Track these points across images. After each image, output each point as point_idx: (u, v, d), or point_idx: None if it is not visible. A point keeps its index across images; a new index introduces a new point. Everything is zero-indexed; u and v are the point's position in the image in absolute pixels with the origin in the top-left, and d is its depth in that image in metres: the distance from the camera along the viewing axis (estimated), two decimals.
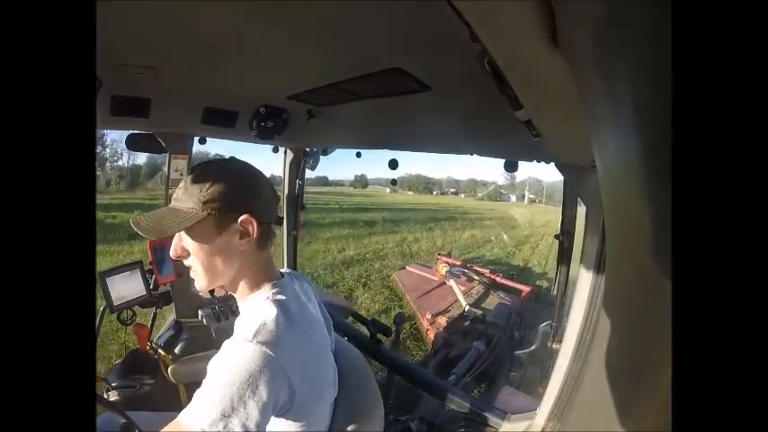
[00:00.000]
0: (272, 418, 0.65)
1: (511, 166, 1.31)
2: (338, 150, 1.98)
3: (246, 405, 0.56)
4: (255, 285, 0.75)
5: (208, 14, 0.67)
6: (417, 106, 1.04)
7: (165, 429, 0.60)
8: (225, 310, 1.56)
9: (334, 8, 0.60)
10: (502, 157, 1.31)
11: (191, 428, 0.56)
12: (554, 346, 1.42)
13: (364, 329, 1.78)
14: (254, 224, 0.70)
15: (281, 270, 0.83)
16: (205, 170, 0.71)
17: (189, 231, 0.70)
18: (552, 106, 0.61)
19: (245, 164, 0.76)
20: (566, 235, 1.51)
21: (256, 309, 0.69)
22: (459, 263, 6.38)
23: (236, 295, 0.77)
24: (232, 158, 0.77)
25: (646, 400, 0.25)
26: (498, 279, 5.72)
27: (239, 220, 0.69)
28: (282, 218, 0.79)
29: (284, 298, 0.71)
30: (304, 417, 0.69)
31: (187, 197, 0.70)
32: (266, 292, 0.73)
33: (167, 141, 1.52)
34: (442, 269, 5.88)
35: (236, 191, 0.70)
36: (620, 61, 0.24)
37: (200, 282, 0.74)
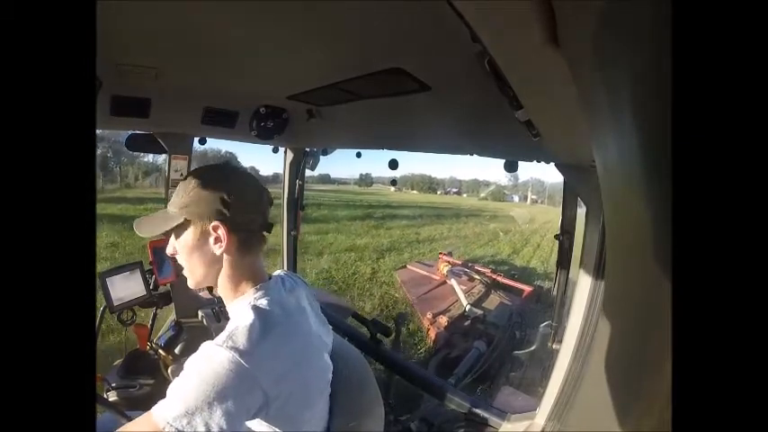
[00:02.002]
0: (257, 425, 0.66)
1: (511, 167, 1.30)
2: (339, 149, 1.98)
3: (211, 406, 0.58)
4: (239, 290, 0.75)
5: (208, 14, 0.67)
6: (417, 106, 1.04)
7: (137, 419, 0.62)
8: (225, 310, 1.56)
9: (334, 8, 0.60)
10: (502, 158, 1.31)
11: (157, 420, 0.58)
12: (554, 346, 1.42)
13: (365, 330, 1.78)
14: (225, 231, 0.71)
15: (276, 272, 0.83)
16: (191, 175, 0.74)
17: (174, 232, 0.74)
18: (552, 106, 0.61)
19: (231, 170, 0.75)
20: (566, 235, 1.51)
21: (237, 313, 0.71)
22: (460, 262, 6.38)
23: (223, 299, 0.78)
24: (224, 163, 0.77)
25: (646, 400, 0.25)
26: (500, 279, 5.72)
27: (210, 226, 0.71)
28: (273, 225, 0.78)
29: (265, 302, 0.71)
30: (290, 424, 0.69)
31: (174, 200, 0.74)
32: (249, 296, 0.73)
33: (167, 141, 1.52)
34: (444, 268, 5.89)
35: (211, 197, 0.71)
36: (619, 61, 0.24)
37: (189, 280, 0.79)
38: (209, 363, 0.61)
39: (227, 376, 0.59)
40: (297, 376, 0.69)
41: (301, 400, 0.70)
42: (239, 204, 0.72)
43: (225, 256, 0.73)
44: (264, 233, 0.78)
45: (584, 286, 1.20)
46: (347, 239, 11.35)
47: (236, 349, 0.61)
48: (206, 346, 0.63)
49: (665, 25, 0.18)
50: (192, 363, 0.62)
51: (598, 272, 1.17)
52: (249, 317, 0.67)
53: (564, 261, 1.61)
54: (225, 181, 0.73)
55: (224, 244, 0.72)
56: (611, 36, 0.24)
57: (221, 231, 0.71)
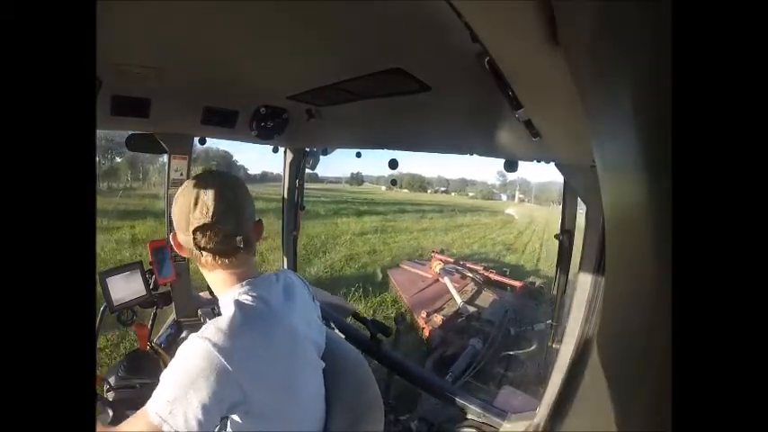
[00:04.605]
0: (249, 424, 0.66)
1: (511, 166, 1.30)
2: (338, 149, 1.98)
3: (187, 395, 0.60)
4: (225, 287, 0.76)
5: (208, 14, 0.67)
6: (417, 106, 1.04)
7: (136, 413, 0.66)
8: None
9: (335, 8, 0.60)
10: (502, 158, 1.30)
11: (148, 411, 0.62)
12: (554, 346, 1.42)
13: (365, 330, 1.78)
14: (176, 245, 0.77)
15: (280, 271, 0.84)
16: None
17: None
18: (552, 106, 0.61)
19: (197, 188, 0.73)
20: (566, 235, 1.51)
21: (223, 308, 0.73)
22: (452, 260, 6.38)
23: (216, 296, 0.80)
24: (198, 179, 0.76)
25: (646, 400, 0.25)
26: (492, 276, 5.71)
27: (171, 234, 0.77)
28: (240, 247, 0.74)
29: (249, 298, 0.72)
30: (280, 423, 0.69)
31: None
32: (234, 291, 0.74)
33: (167, 141, 1.52)
34: (436, 267, 5.88)
35: (174, 212, 0.75)
36: (619, 61, 0.24)
37: None
38: (185, 354, 0.64)
39: (199, 366, 0.61)
40: (279, 372, 0.69)
41: (287, 398, 0.71)
42: (190, 227, 0.72)
43: (203, 260, 0.75)
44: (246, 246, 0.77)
45: (584, 286, 1.20)
46: (413, 224, 16.11)
47: (211, 340, 0.63)
48: (188, 338, 0.66)
49: (664, 25, 0.18)
50: (176, 354, 0.65)
51: (598, 272, 1.17)
52: (230, 310, 0.69)
53: (564, 261, 1.61)
54: (183, 202, 0.73)
55: (182, 253, 0.77)
56: (610, 36, 0.24)
57: (174, 244, 0.77)
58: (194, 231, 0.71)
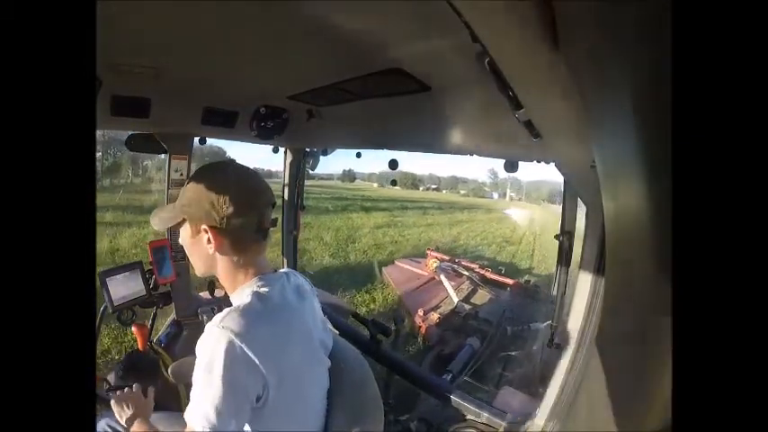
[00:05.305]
0: (257, 422, 0.67)
1: (511, 167, 1.30)
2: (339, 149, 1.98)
3: (218, 389, 0.61)
4: (240, 281, 0.77)
5: (208, 14, 0.67)
6: (417, 106, 1.04)
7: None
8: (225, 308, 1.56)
9: (335, 8, 0.60)
10: (501, 158, 1.30)
11: (191, 417, 0.63)
12: (554, 346, 1.42)
13: (365, 330, 1.78)
14: (213, 234, 0.73)
15: (282, 270, 0.84)
16: (193, 174, 0.77)
17: (178, 227, 0.78)
18: (552, 106, 0.61)
19: (229, 171, 0.76)
20: (566, 235, 1.51)
21: (238, 299, 0.73)
22: (448, 258, 6.37)
23: (226, 290, 0.80)
24: (223, 163, 0.79)
25: (646, 400, 0.25)
26: (488, 274, 5.70)
27: (202, 227, 0.73)
28: (268, 229, 0.79)
29: (267, 290, 0.73)
30: (287, 419, 0.70)
31: (179, 197, 0.77)
32: (251, 284, 0.75)
33: (167, 141, 1.52)
34: (432, 264, 5.86)
35: (202, 200, 0.73)
36: (619, 61, 0.24)
37: (195, 269, 0.82)
38: (205, 344, 0.64)
39: (225, 354, 0.62)
40: (292, 367, 0.70)
41: (297, 393, 0.71)
42: (230, 208, 0.71)
43: (219, 254, 0.74)
44: (269, 230, 0.78)
45: (584, 286, 1.20)
46: (419, 220, 17.23)
47: (230, 328, 0.63)
48: (206, 329, 0.66)
49: (664, 25, 0.18)
50: (197, 349, 0.65)
51: (598, 272, 1.17)
52: (248, 300, 0.69)
53: (564, 261, 1.61)
54: (217, 184, 0.73)
55: (213, 246, 0.73)
56: (610, 36, 0.24)
57: (211, 234, 0.73)
58: (264, 210, 0.75)
